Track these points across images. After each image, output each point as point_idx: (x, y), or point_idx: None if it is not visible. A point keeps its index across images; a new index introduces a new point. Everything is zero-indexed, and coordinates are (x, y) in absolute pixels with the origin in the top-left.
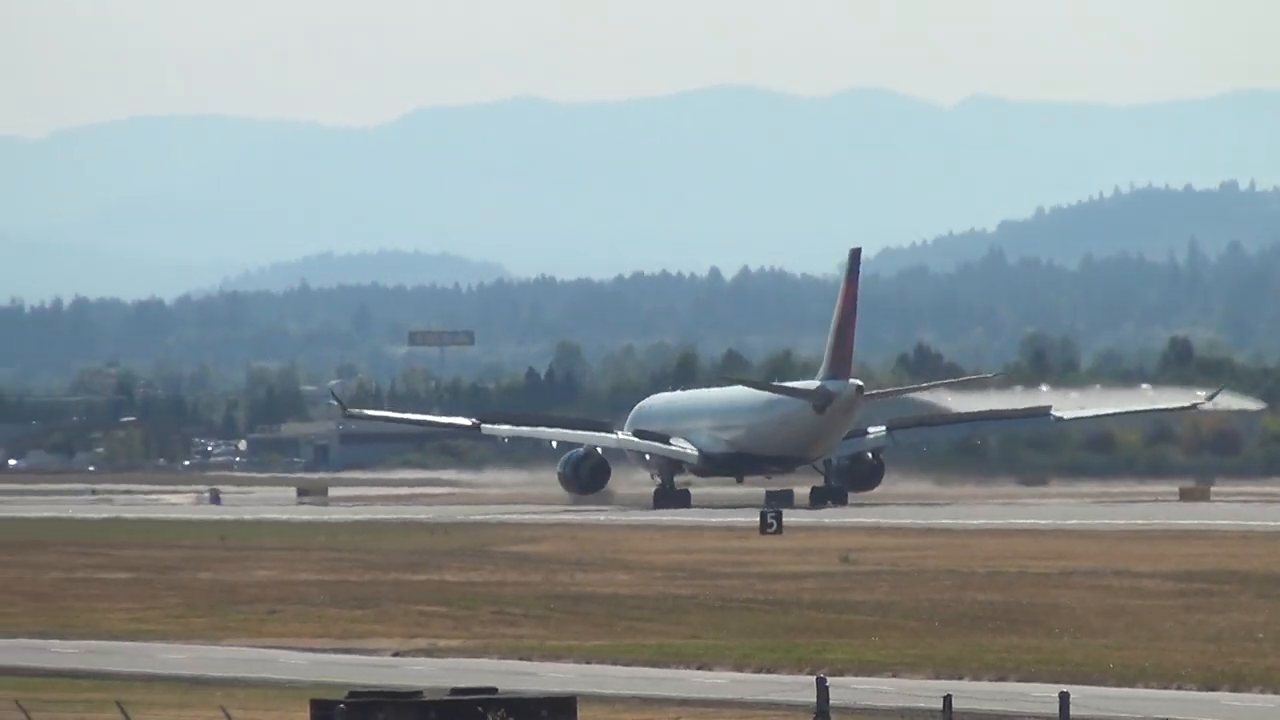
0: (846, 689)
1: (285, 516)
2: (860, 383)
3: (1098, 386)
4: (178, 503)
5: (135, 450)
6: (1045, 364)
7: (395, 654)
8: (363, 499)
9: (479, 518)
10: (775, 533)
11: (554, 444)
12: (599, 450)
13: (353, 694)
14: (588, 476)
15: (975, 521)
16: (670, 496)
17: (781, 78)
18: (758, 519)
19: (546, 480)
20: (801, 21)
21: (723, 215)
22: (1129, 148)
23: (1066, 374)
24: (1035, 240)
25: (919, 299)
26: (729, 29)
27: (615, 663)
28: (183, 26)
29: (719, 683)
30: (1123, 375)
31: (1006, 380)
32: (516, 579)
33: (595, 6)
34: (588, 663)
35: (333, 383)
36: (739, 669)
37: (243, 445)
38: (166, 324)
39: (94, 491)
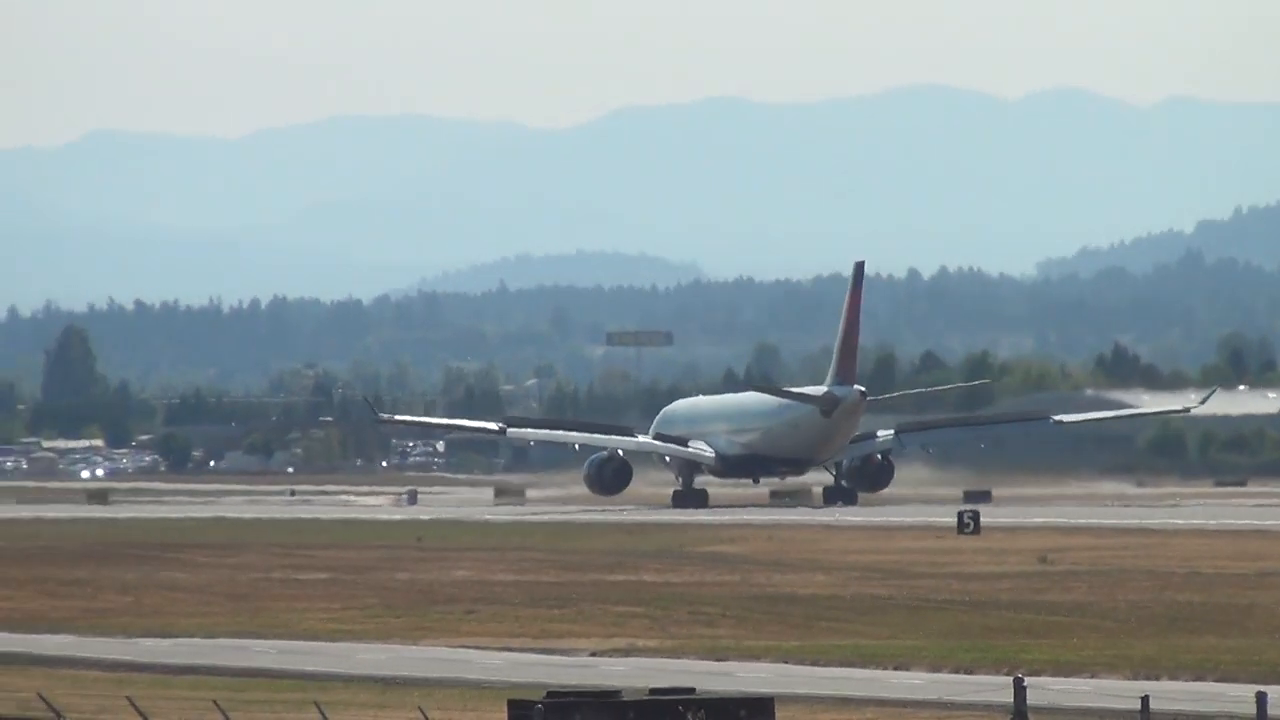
0: (1044, 690)
1: (482, 517)
2: (863, 388)
3: None
4: (375, 503)
5: (333, 451)
6: (1243, 364)
7: (592, 654)
8: (560, 500)
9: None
10: (973, 533)
11: (576, 447)
12: (620, 453)
13: (550, 694)
14: (610, 478)
15: (1174, 521)
16: (689, 497)
17: (979, 78)
18: (954, 518)
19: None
20: (999, 22)
21: (921, 215)
22: None
23: (1264, 374)
24: (1233, 241)
25: (1117, 299)
26: (927, 29)
27: (813, 663)
28: (380, 27)
29: (916, 683)
30: None
31: (1205, 380)
32: (714, 579)
33: (795, 7)
34: (785, 663)
35: (533, 381)
36: (936, 669)
37: (441, 446)
38: (364, 324)
39: (292, 492)
